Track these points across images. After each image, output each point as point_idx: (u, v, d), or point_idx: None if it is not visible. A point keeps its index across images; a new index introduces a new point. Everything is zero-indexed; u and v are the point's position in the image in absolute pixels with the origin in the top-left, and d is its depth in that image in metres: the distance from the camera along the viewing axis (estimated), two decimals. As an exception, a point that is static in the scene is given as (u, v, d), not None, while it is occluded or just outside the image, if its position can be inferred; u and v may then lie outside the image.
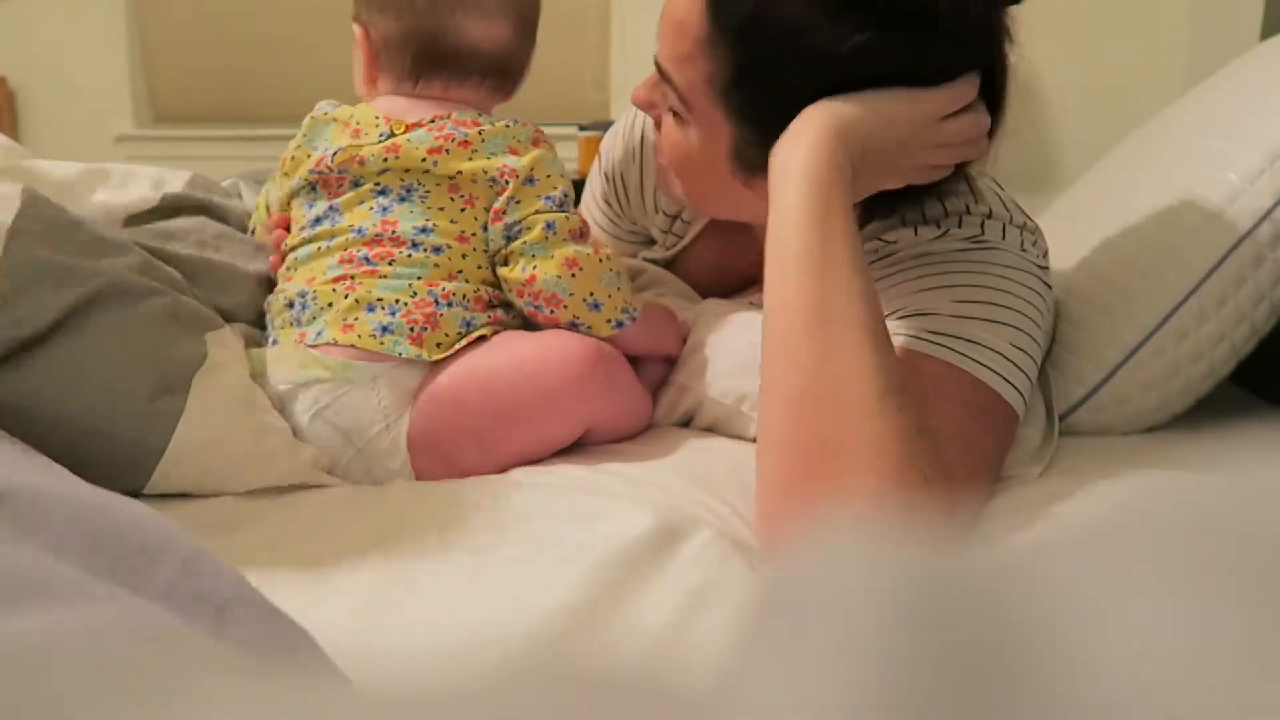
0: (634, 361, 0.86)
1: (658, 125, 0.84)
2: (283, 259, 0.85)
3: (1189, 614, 0.14)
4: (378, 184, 0.82)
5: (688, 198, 0.86)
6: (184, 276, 0.81)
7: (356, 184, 0.83)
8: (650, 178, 1.03)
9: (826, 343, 0.62)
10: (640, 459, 0.78)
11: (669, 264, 1.07)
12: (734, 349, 0.85)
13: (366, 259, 0.79)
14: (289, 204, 0.87)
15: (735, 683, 0.15)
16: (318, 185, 0.84)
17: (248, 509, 0.70)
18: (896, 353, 0.66)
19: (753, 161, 0.76)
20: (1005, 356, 0.73)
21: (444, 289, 0.79)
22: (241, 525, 0.67)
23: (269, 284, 0.87)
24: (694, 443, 0.82)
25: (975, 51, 0.72)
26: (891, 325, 0.72)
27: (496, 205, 0.82)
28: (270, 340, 0.82)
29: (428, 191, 0.82)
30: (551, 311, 0.81)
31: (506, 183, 0.82)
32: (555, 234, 0.81)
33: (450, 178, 0.82)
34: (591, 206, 1.12)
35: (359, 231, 0.80)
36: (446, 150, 0.82)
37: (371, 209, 0.81)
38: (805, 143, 0.67)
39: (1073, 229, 1.01)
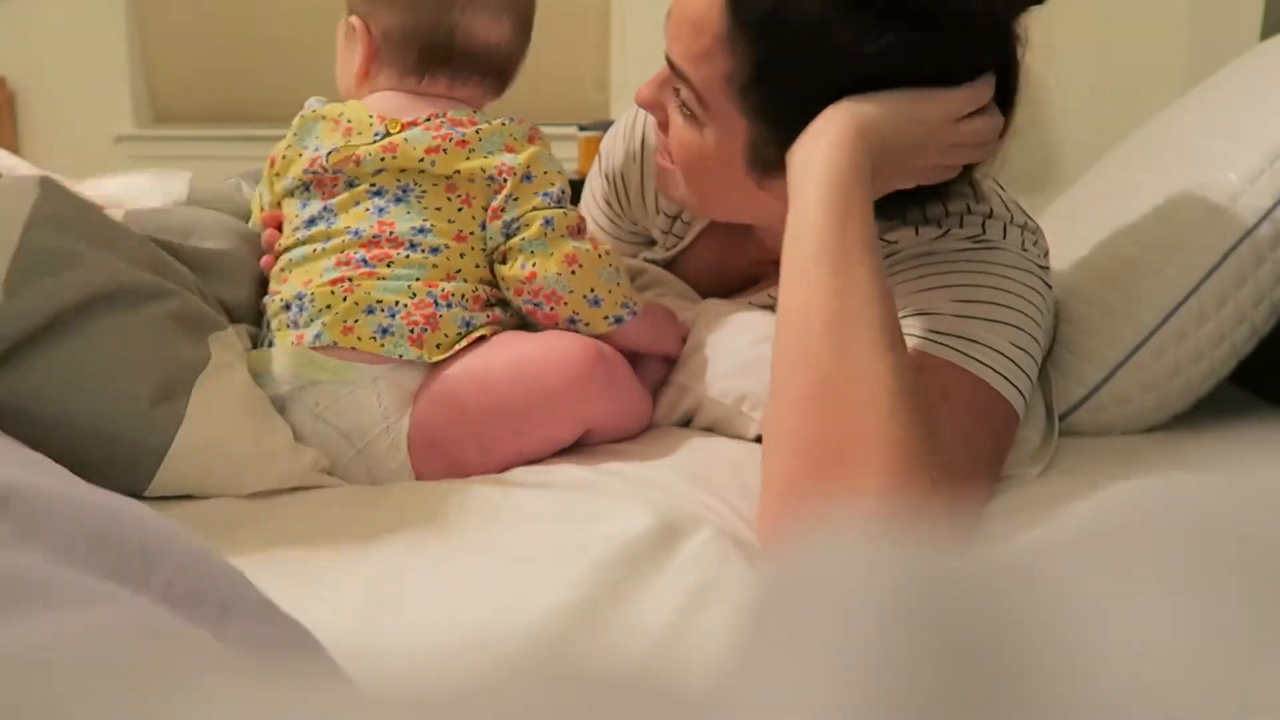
0: (634, 361, 0.85)
1: (662, 125, 0.83)
2: (275, 259, 0.84)
3: (1189, 614, 0.14)
4: (373, 184, 0.81)
5: (693, 199, 0.85)
6: (192, 270, 0.81)
7: (351, 184, 0.82)
8: (651, 178, 1.03)
9: (844, 343, 0.62)
10: (640, 459, 0.78)
11: (669, 264, 1.07)
12: (734, 349, 0.85)
13: (364, 261, 0.79)
14: (280, 204, 0.86)
15: (735, 682, 0.15)
16: (311, 185, 0.83)
17: (248, 510, 0.70)
18: None
19: (768, 161, 0.75)
20: (1006, 356, 0.73)
21: (443, 289, 0.79)
22: (242, 526, 0.67)
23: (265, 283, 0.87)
24: (694, 443, 0.82)
25: (994, 52, 0.72)
26: (893, 325, 0.73)
27: (495, 203, 0.81)
28: (267, 342, 0.82)
29: (424, 191, 0.81)
30: (551, 309, 0.81)
31: (504, 181, 0.81)
32: (554, 230, 0.81)
33: (447, 177, 0.81)
34: (592, 207, 1.12)
35: (355, 233, 0.80)
36: (444, 150, 0.81)
37: (368, 210, 0.81)
38: (826, 142, 0.67)
39: (1073, 229, 1.01)
